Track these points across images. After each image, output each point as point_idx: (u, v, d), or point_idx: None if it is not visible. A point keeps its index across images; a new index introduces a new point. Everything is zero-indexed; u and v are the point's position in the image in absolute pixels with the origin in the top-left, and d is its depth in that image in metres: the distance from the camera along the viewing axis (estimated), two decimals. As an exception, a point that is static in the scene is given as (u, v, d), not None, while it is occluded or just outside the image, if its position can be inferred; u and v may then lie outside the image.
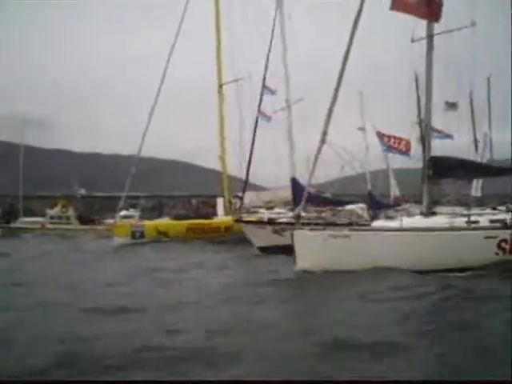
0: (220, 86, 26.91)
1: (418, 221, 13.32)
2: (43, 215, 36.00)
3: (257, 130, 22.13)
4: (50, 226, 34.20)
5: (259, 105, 22.42)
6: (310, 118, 19.90)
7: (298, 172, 21.57)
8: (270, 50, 22.42)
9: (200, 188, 51.36)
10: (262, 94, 22.48)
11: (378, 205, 23.30)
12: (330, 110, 12.91)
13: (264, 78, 22.42)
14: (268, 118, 23.29)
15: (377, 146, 31.11)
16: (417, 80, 15.37)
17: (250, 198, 22.75)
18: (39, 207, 38.67)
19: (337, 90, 12.81)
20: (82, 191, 46.03)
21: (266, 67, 22.34)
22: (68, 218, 35.43)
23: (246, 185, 22.49)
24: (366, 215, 19.69)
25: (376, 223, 14.70)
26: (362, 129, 31.40)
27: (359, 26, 12.56)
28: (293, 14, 23.59)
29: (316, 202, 18.72)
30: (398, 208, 19.26)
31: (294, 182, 20.41)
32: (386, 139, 28.87)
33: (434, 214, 13.64)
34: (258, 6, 24.29)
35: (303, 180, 16.46)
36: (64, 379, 5.25)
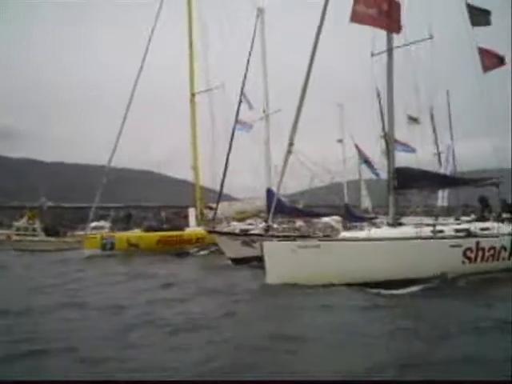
0: (192, 95, 26.56)
1: (385, 231, 13.60)
2: (11, 226, 35.24)
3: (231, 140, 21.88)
4: (16, 238, 33.38)
5: (237, 114, 22.10)
6: (287, 129, 19.92)
7: (274, 182, 21.59)
8: (249, 58, 22.11)
9: (170, 198, 50.97)
10: (239, 104, 22.11)
11: (354, 217, 23.27)
12: (296, 121, 13.15)
13: (242, 88, 22.10)
14: (248, 128, 23.03)
15: (348, 157, 31.64)
16: (378, 94, 15.84)
17: (222, 208, 22.64)
18: (8, 218, 37.71)
19: (301, 100, 13.05)
20: (49, 203, 45.00)
21: (245, 76, 22.02)
22: (34, 229, 34.66)
23: (220, 195, 22.17)
24: (340, 228, 19.68)
25: (343, 234, 14.94)
26: (340, 141, 31.36)
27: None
28: (274, 21, 23.68)
29: (290, 213, 18.64)
30: (374, 220, 19.25)
31: (270, 193, 20.12)
32: (363, 153, 29.57)
33: (400, 224, 13.96)
34: (234, 13, 24.26)
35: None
36: (64, 379, 5.22)
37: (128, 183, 77.15)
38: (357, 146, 29.55)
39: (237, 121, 22.04)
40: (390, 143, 14.71)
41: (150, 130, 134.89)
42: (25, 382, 5.21)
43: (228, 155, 21.52)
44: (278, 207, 13.98)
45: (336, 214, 21.91)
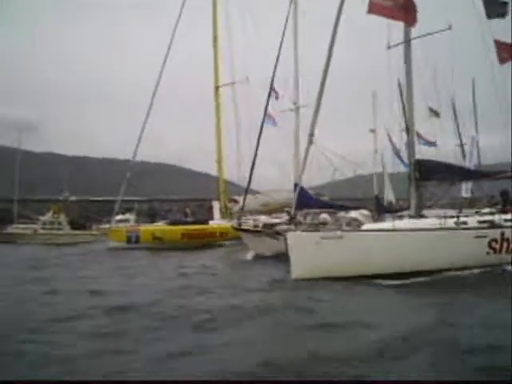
0: (216, 88, 26.44)
1: (408, 222, 13.61)
2: (37, 220, 35.88)
3: (254, 133, 21.33)
4: (42, 232, 34.04)
5: (266, 107, 21.48)
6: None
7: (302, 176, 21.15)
8: (280, 49, 21.23)
9: (192, 191, 51.41)
10: (268, 97, 21.51)
11: (384, 209, 22.60)
12: (316, 112, 13.23)
13: (272, 80, 21.53)
14: (274, 122, 22.71)
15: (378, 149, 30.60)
16: (400, 86, 15.77)
17: (246, 200, 22.25)
18: (34, 212, 38.44)
19: (320, 93, 13.12)
20: (73, 197, 45.63)
21: (275, 68, 21.23)
22: (60, 223, 35.26)
23: (247, 189, 21.65)
24: (369, 221, 19.03)
25: (367, 225, 14.91)
26: (373, 131, 30.31)
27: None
28: (307, 11, 22.72)
29: (315, 206, 18.28)
30: (403, 213, 18.69)
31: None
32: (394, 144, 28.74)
33: (422, 216, 13.96)
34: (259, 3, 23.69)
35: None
36: (64, 379, 5.24)
37: (149, 176, 77.65)
38: (389, 137, 28.65)
39: (266, 113, 21.38)
40: (411, 134, 14.72)
41: (173, 124, 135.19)
42: (25, 382, 5.19)
43: (257, 148, 20.85)
44: (304, 200, 13.87)
45: (361, 208, 21.20)
